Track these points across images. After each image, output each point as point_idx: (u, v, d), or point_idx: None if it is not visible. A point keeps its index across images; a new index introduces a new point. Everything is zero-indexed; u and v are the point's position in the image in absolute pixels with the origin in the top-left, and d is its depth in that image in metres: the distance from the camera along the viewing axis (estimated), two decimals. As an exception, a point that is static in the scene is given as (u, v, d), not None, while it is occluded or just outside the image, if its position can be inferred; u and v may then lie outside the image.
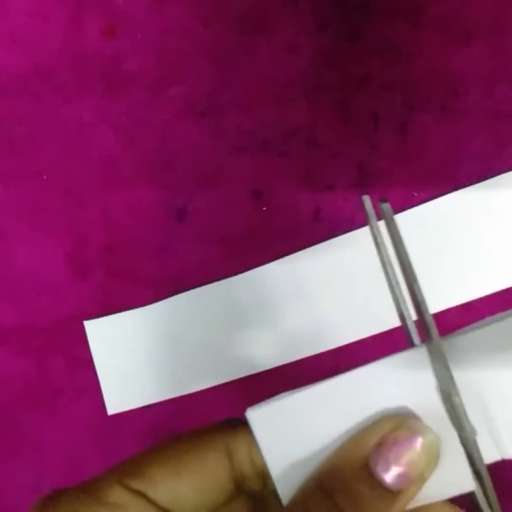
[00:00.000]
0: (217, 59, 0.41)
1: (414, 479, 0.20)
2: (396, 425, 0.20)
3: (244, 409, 0.22)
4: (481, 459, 0.20)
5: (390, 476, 0.19)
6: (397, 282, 0.22)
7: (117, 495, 0.21)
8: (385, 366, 0.21)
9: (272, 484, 0.22)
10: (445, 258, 0.39)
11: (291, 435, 0.21)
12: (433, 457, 0.20)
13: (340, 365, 0.40)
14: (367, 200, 0.22)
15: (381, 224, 0.21)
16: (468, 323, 0.42)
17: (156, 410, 0.41)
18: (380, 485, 0.19)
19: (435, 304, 0.39)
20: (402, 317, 0.22)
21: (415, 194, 0.40)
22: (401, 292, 0.22)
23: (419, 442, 0.20)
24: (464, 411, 0.20)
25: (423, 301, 0.20)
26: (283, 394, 0.21)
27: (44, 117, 0.42)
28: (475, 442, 0.20)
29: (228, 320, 0.41)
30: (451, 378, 0.19)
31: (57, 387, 0.41)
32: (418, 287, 0.20)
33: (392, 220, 0.20)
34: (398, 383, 0.21)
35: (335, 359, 0.40)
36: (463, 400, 0.20)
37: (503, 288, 0.39)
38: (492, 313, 0.41)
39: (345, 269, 0.40)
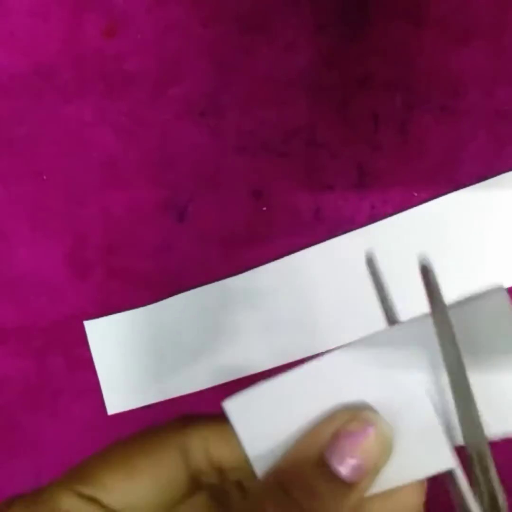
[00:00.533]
0: (217, 59, 0.41)
1: (368, 470, 0.20)
2: (350, 417, 0.20)
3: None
4: (484, 438, 0.20)
5: (344, 468, 0.20)
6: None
7: (69, 502, 0.21)
8: (355, 349, 0.21)
9: (233, 476, 0.22)
10: (445, 258, 0.39)
11: (268, 420, 0.21)
12: (386, 448, 0.20)
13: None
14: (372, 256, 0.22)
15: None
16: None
17: (156, 410, 0.41)
18: (335, 478, 0.20)
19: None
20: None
21: (415, 194, 0.40)
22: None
23: (372, 433, 0.20)
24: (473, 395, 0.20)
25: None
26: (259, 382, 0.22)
27: (44, 117, 0.42)
28: (480, 423, 0.20)
29: (228, 320, 0.41)
30: (458, 351, 0.19)
31: (57, 387, 0.41)
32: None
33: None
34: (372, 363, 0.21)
35: (335, 359, 0.40)
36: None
37: (503, 288, 0.39)
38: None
39: (345, 269, 0.40)
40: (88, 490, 0.21)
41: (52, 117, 0.42)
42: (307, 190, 0.41)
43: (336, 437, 0.20)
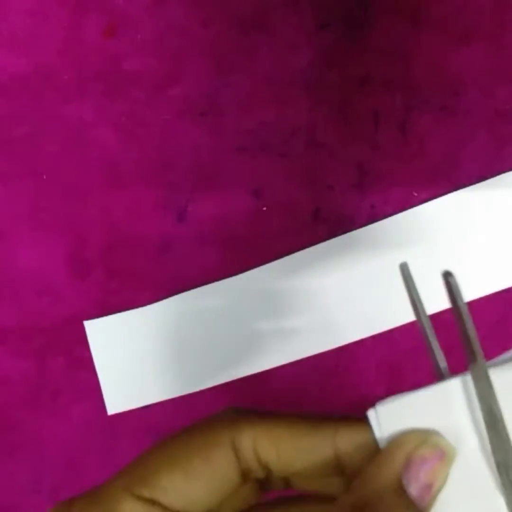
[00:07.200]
0: (217, 59, 0.41)
1: (434, 494, 0.21)
2: (420, 441, 0.21)
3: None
4: None
5: (420, 494, 0.20)
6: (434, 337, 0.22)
7: (130, 506, 0.21)
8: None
9: (279, 474, 0.22)
10: (445, 258, 0.39)
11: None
12: (450, 468, 0.21)
13: (340, 365, 0.40)
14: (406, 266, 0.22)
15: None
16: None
17: (156, 410, 0.41)
18: (413, 505, 0.20)
19: (435, 304, 0.39)
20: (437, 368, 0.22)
21: (415, 194, 0.40)
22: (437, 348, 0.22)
23: (444, 459, 0.20)
24: None
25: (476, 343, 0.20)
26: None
27: (44, 117, 0.42)
28: None
29: (228, 320, 0.41)
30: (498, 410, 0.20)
31: (57, 387, 0.41)
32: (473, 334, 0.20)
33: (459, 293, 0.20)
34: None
35: (335, 359, 0.40)
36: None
37: (503, 288, 0.39)
38: (492, 313, 0.41)
39: (344, 269, 0.40)
40: (147, 492, 0.21)
41: (52, 117, 0.42)
42: (307, 190, 0.41)
43: (411, 463, 0.20)
